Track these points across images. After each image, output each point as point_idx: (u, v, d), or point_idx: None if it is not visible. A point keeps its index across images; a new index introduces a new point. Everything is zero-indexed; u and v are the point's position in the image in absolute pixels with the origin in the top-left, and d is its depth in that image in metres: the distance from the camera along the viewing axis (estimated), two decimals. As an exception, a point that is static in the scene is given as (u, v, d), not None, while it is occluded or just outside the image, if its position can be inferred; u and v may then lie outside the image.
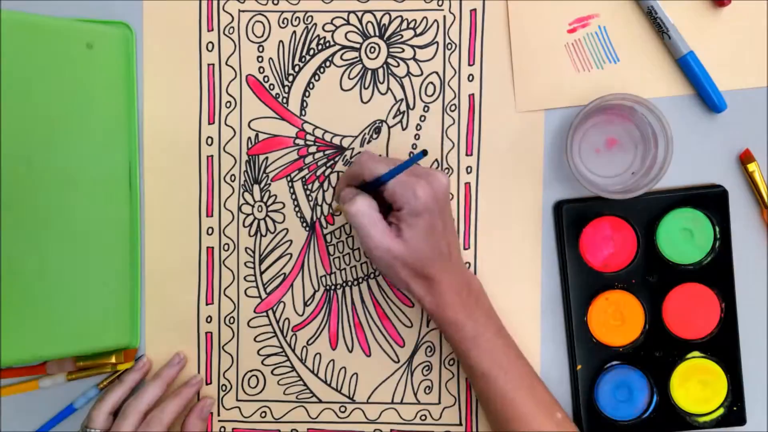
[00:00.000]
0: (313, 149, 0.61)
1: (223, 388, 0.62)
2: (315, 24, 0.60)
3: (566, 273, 0.60)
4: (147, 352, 0.62)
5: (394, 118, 0.61)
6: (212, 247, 0.62)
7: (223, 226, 0.62)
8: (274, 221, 0.62)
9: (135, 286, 0.61)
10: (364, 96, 0.61)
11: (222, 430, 0.63)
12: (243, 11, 0.61)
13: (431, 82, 0.61)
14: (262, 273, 0.62)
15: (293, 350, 0.62)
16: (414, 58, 0.61)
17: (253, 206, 0.62)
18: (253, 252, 0.62)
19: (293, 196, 0.62)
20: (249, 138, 0.61)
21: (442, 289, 0.54)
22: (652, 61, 0.60)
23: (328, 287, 0.62)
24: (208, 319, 0.62)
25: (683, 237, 0.60)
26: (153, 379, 0.60)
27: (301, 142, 0.61)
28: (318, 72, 0.61)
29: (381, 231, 0.52)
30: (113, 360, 0.60)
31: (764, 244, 0.61)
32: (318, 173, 0.61)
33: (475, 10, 0.60)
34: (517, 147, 0.61)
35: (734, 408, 0.61)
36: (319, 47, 0.61)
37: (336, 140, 0.61)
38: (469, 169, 0.61)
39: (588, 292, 0.61)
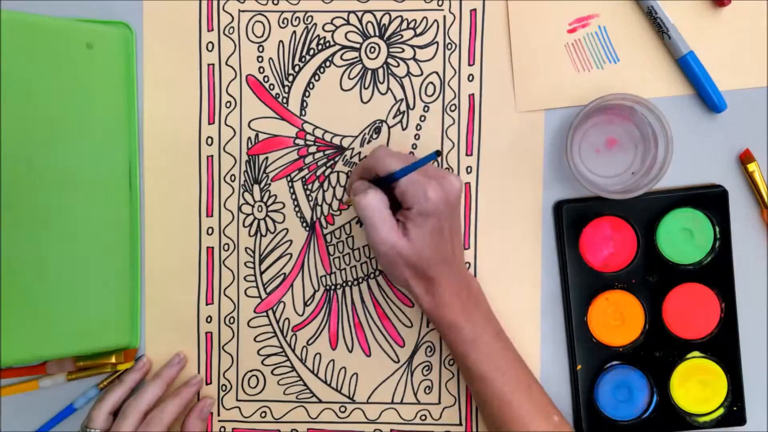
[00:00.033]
0: (313, 149, 0.61)
1: (223, 388, 0.62)
2: (315, 24, 0.60)
3: (566, 273, 0.60)
4: (147, 352, 0.62)
5: (394, 118, 0.61)
6: (212, 247, 0.62)
7: (223, 226, 0.62)
8: (274, 221, 0.62)
9: (135, 286, 0.61)
10: (364, 96, 0.61)
11: (222, 430, 0.63)
12: (243, 11, 0.61)
13: (431, 82, 0.61)
14: (262, 273, 0.62)
15: (293, 350, 0.62)
16: (414, 58, 0.61)
17: (253, 206, 0.62)
18: (253, 252, 0.62)
19: (293, 196, 0.62)
20: (249, 138, 0.61)
21: (441, 290, 0.54)
22: (652, 61, 0.60)
23: (328, 287, 0.62)
24: (208, 319, 0.62)
25: (683, 237, 0.60)
26: (153, 379, 0.60)
27: (301, 142, 0.61)
28: (318, 72, 0.61)
29: (389, 227, 0.52)
30: (113, 360, 0.60)
31: (764, 244, 0.61)
32: (318, 173, 0.61)
33: (475, 10, 0.60)
34: (517, 147, 0.61)
35: (734, 408, 0.61)
36: (319, 47, 0.61)
37: (336, 140, 0.61)
38: (469, 169, 0.61)
39: (588, 292, 0.61)
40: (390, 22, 0.60)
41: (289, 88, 0.61)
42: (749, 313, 0.61)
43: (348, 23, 0.60)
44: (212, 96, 0.61)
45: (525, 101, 0.60)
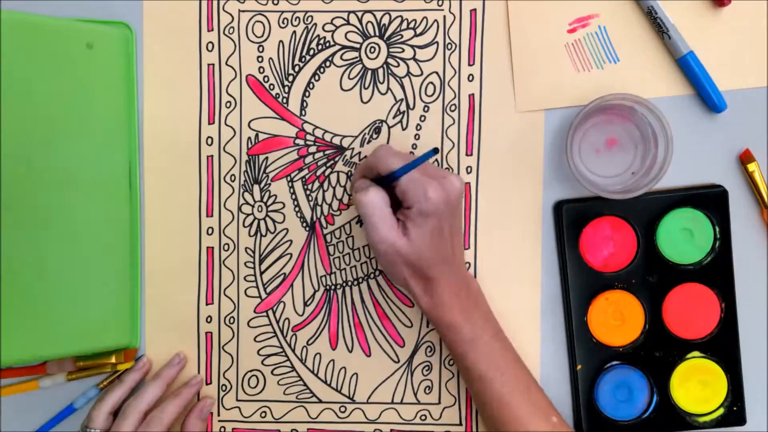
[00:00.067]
0: (313, 149, 0.61)
1: (223, 388, 0.62)
2: (315, 24, 0.60)
3: (566, 273, 0.60)
4: (147, 352, 0.62)
5: (394, 118, 0.61)
6: (212, 247, 0.62)
7: (223, 226, 0.62)
8: (274, 221, 0.62)
9: (135, 286, 0.61)
10: (364, 96, 0.61)
11: (222, 430, 0.63)
12: (243, 11, 0.61)
13: (431, 82, 0.61)
14: (262, 273, 0.62)
15: (293, 350, 0.62)
16: (414, 58, 0.61)
17: (253, 206, 0.62)
18: (253, 252, 0.62)
19: (293, 196, 0.62)
20: (249, 138, 0.61)
21: (440, 290, 0.54)
22: (652, 61, 0.60)
23: (328, 287, 0.62)
24: (208, 319, 0.62)
25: (683, 237, 0.60)
26: (153, 379, 0.60)
27: (301, 142, 0.61)
28: (318, 72, 0.61)
29: (389, 225, 0.52)
30: (113, 360, 0.60)
31: (764, 244, 0.61)
32: (318, 173, 0.61)
33: (475, 10, 0.60)
34: (517, 147, 0.61)
35: (734, 408, 0.61)
36: (319, 47, 0.61)
37: (336, 140, 0.61)
38: (469, 169, 0.61)
39: (588, 292, 0.61)
40: (390, 22, 0.60)
41: (289, 88, 0.61)
42: (749, 313, 0.61)
43: (348, 23, 0.60)
44: (212, 96, 0.61)
45: (525, 101, 0.60)
